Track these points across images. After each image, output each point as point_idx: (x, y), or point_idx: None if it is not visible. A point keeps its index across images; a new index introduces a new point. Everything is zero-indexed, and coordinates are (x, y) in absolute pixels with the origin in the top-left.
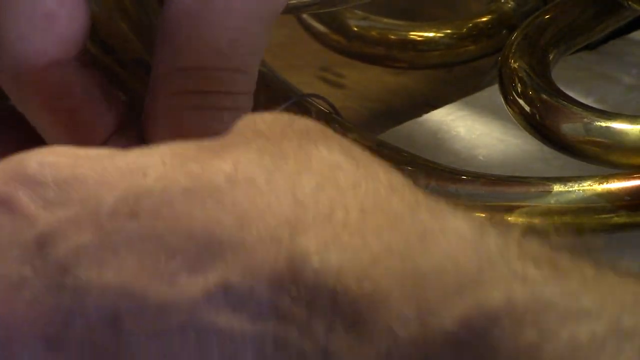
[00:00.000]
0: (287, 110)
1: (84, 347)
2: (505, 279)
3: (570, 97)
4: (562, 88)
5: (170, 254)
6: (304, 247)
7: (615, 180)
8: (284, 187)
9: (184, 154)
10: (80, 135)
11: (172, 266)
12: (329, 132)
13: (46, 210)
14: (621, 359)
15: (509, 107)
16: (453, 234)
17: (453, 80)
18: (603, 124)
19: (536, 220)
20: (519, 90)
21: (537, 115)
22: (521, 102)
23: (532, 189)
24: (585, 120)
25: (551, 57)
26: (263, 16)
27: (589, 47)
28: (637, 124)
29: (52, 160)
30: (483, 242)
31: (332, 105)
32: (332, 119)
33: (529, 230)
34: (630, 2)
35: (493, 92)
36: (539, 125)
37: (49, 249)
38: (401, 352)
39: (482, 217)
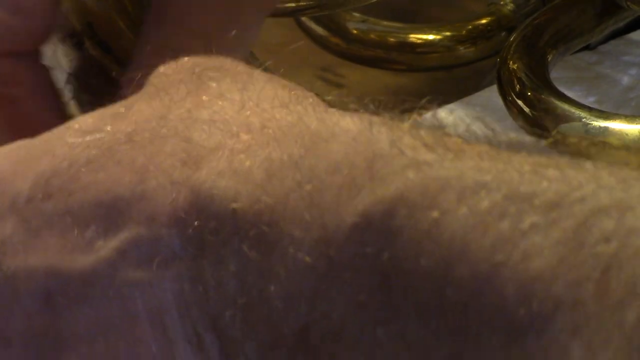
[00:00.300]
0: None
1: (27, 334)
2: (398, 167)
3: (569, 98)
4: (562, 88)
5: (84, 224)
6: (200, 181)
7: None
8: (176, 130)
9: (88, 125)
10: (20, 127)
11: (88, 235)
12: (227, 64)
13: None
14: (524, 223)
15: (508, 107)
16: (343, 135)
17: (453, 81)
18: (602, 124)
19: None
20: (518, 90)
21: (536, 116)
22: (520, 102)
23: None
24: (584, 120)
25: (550, 58)
26: (256, 7)
27: (589, 47)
28: (637, 124)
29: None
30: (373, 138)
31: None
32: None
33: (419, 122)
34: (629, 3)
35: (493, 93)
36: (538, 126)
37: None
38: (307, 257)
39: (369, 115)
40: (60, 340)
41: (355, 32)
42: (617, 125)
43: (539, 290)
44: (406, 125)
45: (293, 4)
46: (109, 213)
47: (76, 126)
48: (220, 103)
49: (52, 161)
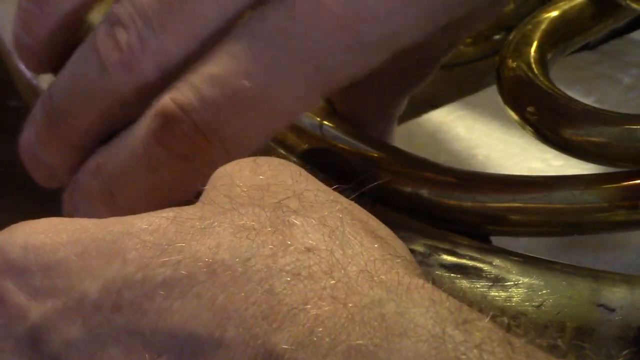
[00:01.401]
0: None
1: None
2: None
3: (570, 97)
4: (562, 88)
5: (156, 352)
6: (278, 347)
7: (615, 180)
8: (261, 276)
9: (159, 232)
10: None
11: None
12: (305, 194)
13: (34, 300)
14: None
15: (508, 106)
16: (416, 335)
17: (453, 80)
18: (602, 124)
19: (535, 218)
20: (518, 89)
21: (536, 115)
22: (520, 101)
23: (532, 189)
24: (585, 120)
25: (549, 56)
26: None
27: (589, 47)
28: (637, 124)
29: (34, 242)
30: (443, 346)
31: (327, 99)
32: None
33: (491, 327)
34: (628, 2)
35: (493, 92)
36: (539, 125)
37: (42, 342)
38: None
39: (445, 309)
40: None
41: None
42: (617, 125)
43: None
44: (478, 335)
45: None
46: (183, 348)
47: (144, 226)
48: (307, 257)
49: (123, 268)
